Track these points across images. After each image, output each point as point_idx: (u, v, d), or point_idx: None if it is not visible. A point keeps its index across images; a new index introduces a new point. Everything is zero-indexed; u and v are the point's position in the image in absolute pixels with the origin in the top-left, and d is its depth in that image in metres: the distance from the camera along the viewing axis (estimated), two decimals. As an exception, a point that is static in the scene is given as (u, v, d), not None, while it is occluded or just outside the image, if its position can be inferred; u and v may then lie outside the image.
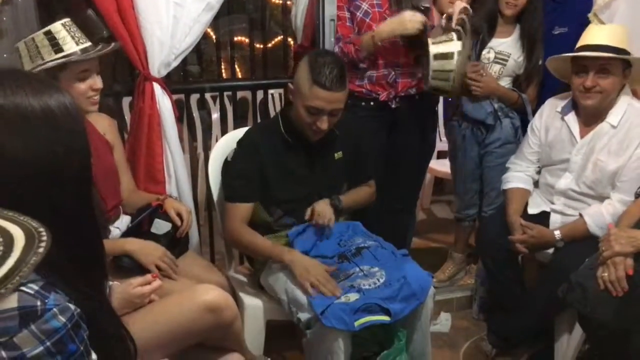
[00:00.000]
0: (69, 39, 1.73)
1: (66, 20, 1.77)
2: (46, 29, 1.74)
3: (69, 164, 0.91)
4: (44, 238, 0.79)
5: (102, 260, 1.03)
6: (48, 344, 0.80)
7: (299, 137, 1.96)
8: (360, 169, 2.14)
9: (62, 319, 0.82)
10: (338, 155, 2.06)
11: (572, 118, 2.17)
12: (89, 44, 1.78)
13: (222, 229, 2.06)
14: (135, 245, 1.78)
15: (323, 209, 1.96)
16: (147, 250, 1.78)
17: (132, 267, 1.74)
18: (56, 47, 1.72)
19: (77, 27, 1.79)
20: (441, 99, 2.91)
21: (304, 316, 1.75)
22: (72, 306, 0.84)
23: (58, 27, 1.74)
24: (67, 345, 0.82)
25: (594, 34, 2.05)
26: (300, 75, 1.88)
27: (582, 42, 2.07)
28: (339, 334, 1.68)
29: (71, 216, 0.92)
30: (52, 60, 1.71)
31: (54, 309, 0.81)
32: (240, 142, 2.00)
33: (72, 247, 0.91)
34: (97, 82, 1.79)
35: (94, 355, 0.88)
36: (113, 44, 1.92)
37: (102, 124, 1.99)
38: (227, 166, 2.03)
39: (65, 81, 1.74)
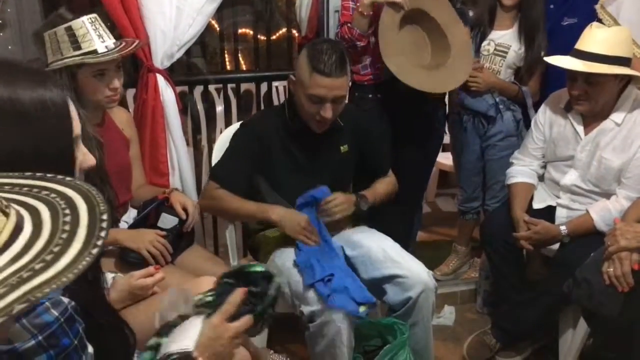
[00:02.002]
0: (90, 36, 1.71)
1: (91, 16, 1.75)
2: (67, 24, 1.71)
3: (38, 164, 0.81)
4: (102, 205, 0.67)
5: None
6: (40, 338, 0.79)
7: (302, 125, 1.94)
8: (375, 163, 2.11)
9: (55, 312, 0.81)
10: (344, 148, 2.03)
11: (575, 115, 2.14)
12: (111, 41, 1.76)
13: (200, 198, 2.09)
14: (125, 234, 1.78)
15: (342, 202, 1.92)
16: (136, 236, 1.77)
17: (138, 262, 1.73)
18: (75, 44, 1.71)
19: (101, 24, 1.76)
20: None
21: (307, 309, 1.74)
22: (65, 300, 0.82)
23: (79, 24, 1.71)
24: (60, 339, 0.81)
25: (588, 39, 1.99)
26: (300, 65, 1.87)
27: (577, 43, 2.02)
28: (341, 326, 1.68)
29: None
30: (67, 58, 1.70)
31: (46, 303, 0.80)
32: (243, 124, 2.00)
33: None
34: (115, 81, 1.76)
35: (90, 349, 0.87)
36: (136, 43, 1.88)
37: (121, 119, 1.98)
38: (231, 144, 2.01)
39: (83, 78, 1.74)
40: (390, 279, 1.86)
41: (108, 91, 1.77)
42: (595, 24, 2.07)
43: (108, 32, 1.79)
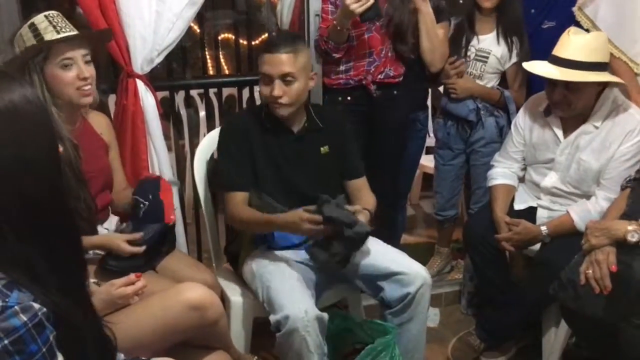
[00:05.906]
0: (51, 28, 1.69)
1: (51, 12, 1.74)
2: (30, 21, 1.71)
3: (35, 158, 0.87)
4: None
5: (78, 258, 0.99)
6: (6, 342, 0.79)
7: (277, 122, 1.94)
8: (350, 163, 2.07)
9: (24, 317, 0.80)
10: (324, 149, 2.02)
11: (554, 118, 2.16)
12: (73, 33, 1.74)
13: (225, 214, 2.01)
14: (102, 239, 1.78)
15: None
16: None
17: (118, 269, 1.71)
18: (38, 37, 1.70)
19: (63, 19, 1.75)
20: (430, 95, 2.89)
21: (273, 318, 1.72)
22: (36, 306, 0.82)
23: (40, 19, 1.71)
24: (27, 345, 0.81)
25: (566, 45, 2.00)
26: None
27: (555, 49, 2.03)
28: (305, 334, 1.66)
29: (42, 211, 0.88)
30: (31, 47, 1.68)
31: (16, 307, 0.80)
32: (228, 125, 2.02)
33: (43, 244, 0.88)
34: (83, 70, 1.73)
35: (60, 358, 0.86)
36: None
37: (100, 124, 1.96)
38: (219, 151, 2.02)
39: (50, 71, 1.71)
40: (388, 276, 1.87)
41: (78, 81, 1.73)
42: (572, 29, 2.08)
43: (68, 25, 1.76)
